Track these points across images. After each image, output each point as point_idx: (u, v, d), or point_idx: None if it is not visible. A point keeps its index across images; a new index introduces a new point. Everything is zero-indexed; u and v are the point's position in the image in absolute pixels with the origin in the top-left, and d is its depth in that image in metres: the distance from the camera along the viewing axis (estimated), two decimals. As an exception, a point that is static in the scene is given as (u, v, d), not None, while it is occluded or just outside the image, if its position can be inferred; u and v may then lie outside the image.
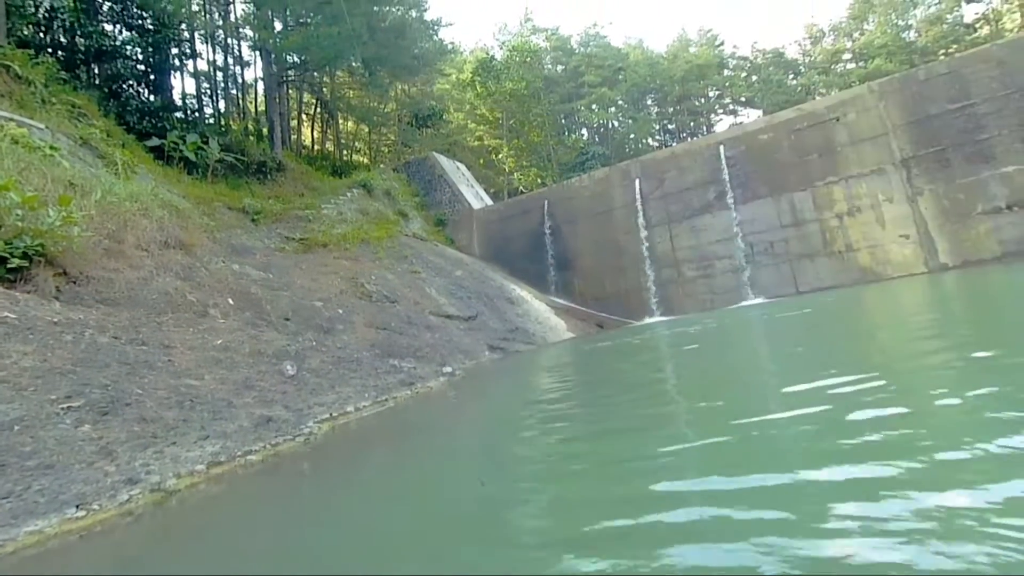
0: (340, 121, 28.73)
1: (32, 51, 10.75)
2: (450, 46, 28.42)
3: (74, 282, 5.24)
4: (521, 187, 32.13)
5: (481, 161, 32.79)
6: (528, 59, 32.24)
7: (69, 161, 7.37)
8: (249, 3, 19.73)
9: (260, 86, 23.77)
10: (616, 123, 42.99)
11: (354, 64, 21.77)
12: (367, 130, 30.02)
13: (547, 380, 6.62)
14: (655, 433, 2.98)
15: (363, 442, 4.39)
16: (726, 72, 43.88)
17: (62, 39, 13.60)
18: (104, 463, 3.20)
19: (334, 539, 2.16)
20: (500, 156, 32.32)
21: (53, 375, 3.74)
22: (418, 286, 11.55)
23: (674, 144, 34.43)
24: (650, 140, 43.30)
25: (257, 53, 21.40)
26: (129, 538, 2.53)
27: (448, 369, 7.73)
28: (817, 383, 3.22)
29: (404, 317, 9.38)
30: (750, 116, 42.34)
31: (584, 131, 42.86)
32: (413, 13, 23.83)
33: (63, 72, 11.45)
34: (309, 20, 19.38)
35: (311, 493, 2.94)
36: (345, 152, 29.20)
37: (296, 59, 20.95)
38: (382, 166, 24.21)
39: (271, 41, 18.38)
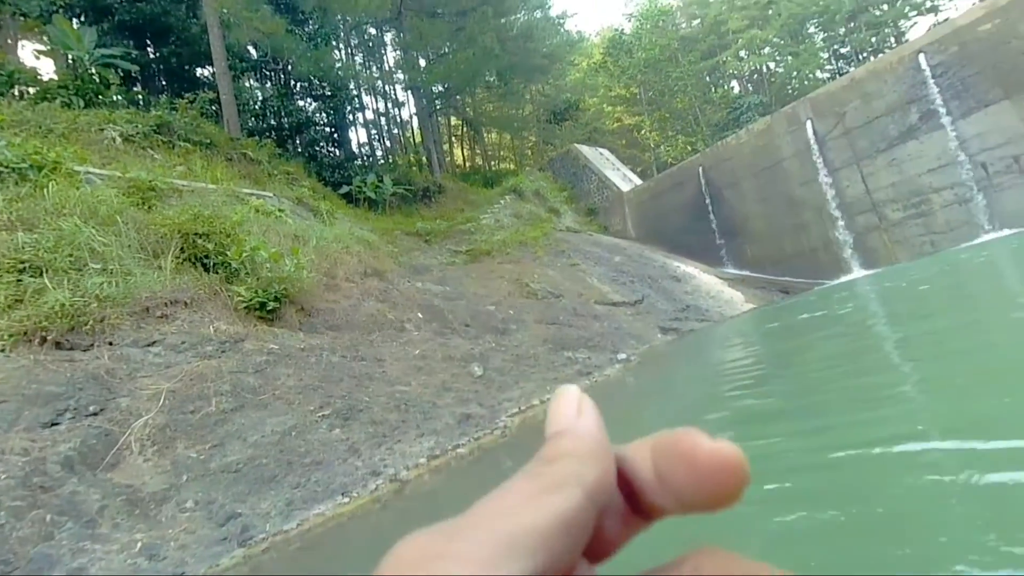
0: (485, 135, 30.59)
1: (257, 137, 13.72)
2: (577, 36, 28.14)
3: (308, 314, 6.52)
4: (669, 159, 30.20)
5: (623, 142, 31.77)
6: (660, 21, 30.20)
7: (292, 218, 9.21)
8: (397, 49, 22.24)
9: (415, 121, 26.62)
10: (772, 65, 37.56)
11: (489, 78, 22.99)
12: (510, 138, 31.41)
13: (728, 356, 6.12)
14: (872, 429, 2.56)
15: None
16: (916, -38, 35.12)
17: (272, 122, 17.05)
18: (353, 459, 3.93)
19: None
20: (642, 132, 30.87)
21: (308, 391, 4.70)
22: (579, 278, 11.68)
23: (851, 70, 28.82)
24: (818, 73, 36.76)
25: (408, 92, 24.00)
26: (381, 521, 3.07)
27: (622, 356, 7.68)
28: None
29: (571, 310, 9.58)
30: (958, 7, 33.21)
31: (734, 83, 38.38)
32: (538, 14, 24.24)
33: (278, 148, 14.35)
34: (447, 50, 21.07)
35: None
36: (493, 163, 30.98)
37: (441, 88, 22.93)
38: (528, 168, 25.06)
39: (419, 78, 20.44)
